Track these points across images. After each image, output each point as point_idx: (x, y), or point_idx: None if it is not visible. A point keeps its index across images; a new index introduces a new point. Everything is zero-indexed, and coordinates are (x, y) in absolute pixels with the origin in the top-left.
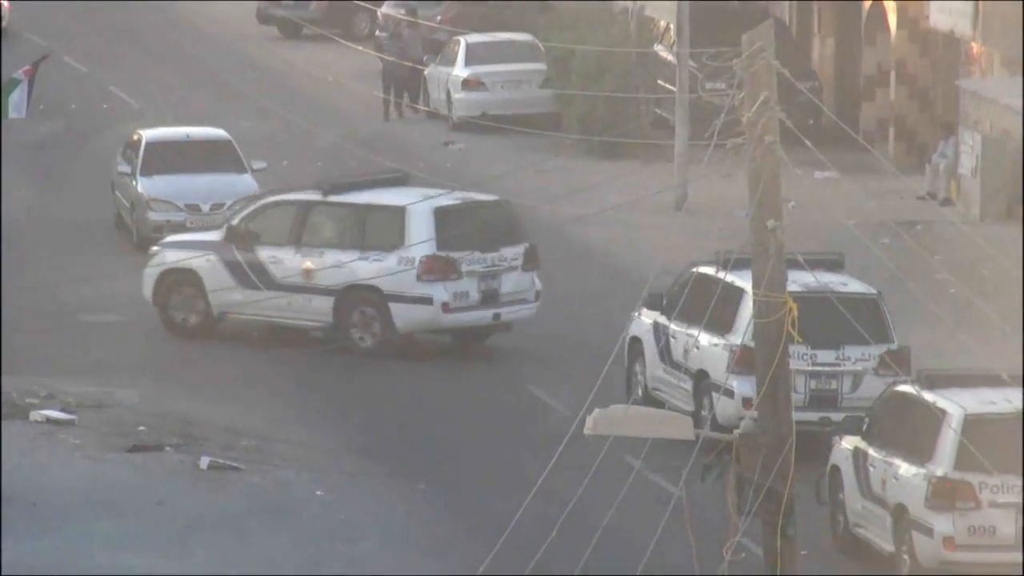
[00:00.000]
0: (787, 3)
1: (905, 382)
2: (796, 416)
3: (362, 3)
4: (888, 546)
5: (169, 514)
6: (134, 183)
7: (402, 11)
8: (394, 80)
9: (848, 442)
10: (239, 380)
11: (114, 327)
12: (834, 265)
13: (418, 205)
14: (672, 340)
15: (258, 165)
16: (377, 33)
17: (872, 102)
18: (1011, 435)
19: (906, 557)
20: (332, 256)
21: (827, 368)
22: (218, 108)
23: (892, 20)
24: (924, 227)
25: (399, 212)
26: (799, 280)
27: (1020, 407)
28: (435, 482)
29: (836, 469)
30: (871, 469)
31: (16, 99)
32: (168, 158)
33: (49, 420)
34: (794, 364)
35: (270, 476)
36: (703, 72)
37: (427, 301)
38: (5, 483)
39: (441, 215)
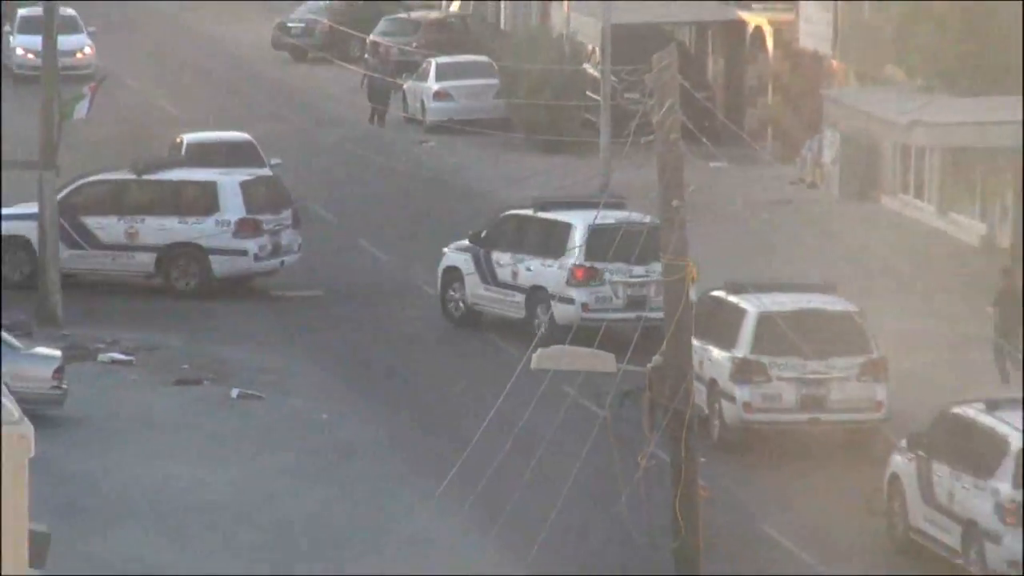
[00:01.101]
0: (687, 29)
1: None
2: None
3: (354, 32)
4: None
5: (207, 433)
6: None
7: (386, 39)
8: (377, 92)
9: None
10: (260, 329)
11: (162, 289)
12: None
13: (225, 179)
14: (498, 266)
15: (275, 161)
16: (366, 56)
17: (754, 107)
18: (794, 327)
19: (716, 422)
20: (154, 221)
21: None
22: (242, 116)
23: (769, 42)
24: (796, 205)
25: (211, 186)
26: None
27: (805, 306)
28: (413, 409)
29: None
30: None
31: (80, 107)
32: (204, 156)
33: (112, 360)
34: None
35: (285, 403)
36: (622, 84)
37: (243, 253)
38: (79, 409)
39: (247, 187)
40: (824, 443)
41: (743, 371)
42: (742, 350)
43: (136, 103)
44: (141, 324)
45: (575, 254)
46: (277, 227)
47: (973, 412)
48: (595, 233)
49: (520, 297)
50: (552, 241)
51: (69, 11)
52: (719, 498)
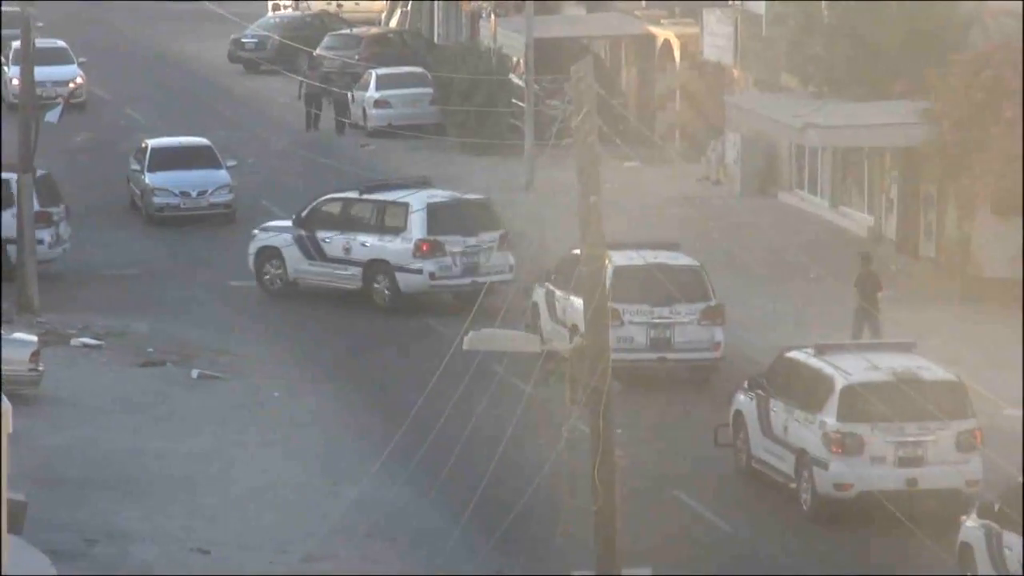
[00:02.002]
0: (602, 43)
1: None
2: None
3: (302, 47)
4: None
5: (171, 410)
6: (143, 177)
7: (331, 52)
8: (314, 100)
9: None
10: (220, 314)
11: (130, 278)
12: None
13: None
14: (324, 243)
15: (231, 163)
16: (308, 69)
17: (663, 112)
18: (643, 279)
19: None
20: None
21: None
22: (201, 123)
23: (677, 54)
24: (702, 200)
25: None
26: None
27: (653, 261)
28: (358, 385)
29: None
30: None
31: (52, 113)
32: (167, 159)
33: (84, 345)
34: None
35: (242, 383)
36: (543, 92)
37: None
38: (54, 389)
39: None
40: (670, 380)
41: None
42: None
43: (106, 112)
44: (110, 311)
45: (419, 229)
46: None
47: (804, 356)
48: (435, 210)
49: (356, 270)
50: (389, 219)
51: (60, 43)
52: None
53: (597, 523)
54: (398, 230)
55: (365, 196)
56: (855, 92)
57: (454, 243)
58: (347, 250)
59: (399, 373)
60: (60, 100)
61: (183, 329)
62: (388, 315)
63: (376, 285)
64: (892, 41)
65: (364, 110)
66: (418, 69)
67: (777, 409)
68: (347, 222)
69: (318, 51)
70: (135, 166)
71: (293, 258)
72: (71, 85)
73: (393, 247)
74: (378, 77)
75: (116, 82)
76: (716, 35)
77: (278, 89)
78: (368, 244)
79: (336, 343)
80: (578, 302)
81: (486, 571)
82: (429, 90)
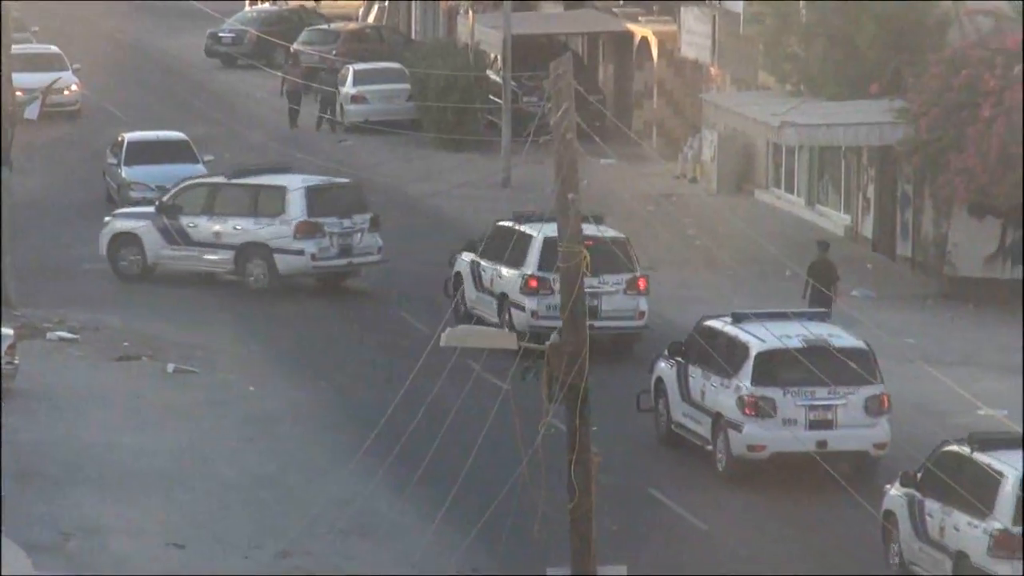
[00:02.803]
0: (580, 39)
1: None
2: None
3: (279, 42)
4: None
5: (146, 404)
6: (119, 171)
7: (308, 47)
8: (295, 97)
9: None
10: (193, 310)
11: (106, 273)
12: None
13: None
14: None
15: (208, 158)
16: (290, 65)
17: (641, 110)
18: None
19: (506, 328)
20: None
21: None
22: (178, 117)
23: (655, 52)
24: (678, 198)
25: None
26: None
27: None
28: (331, 380)
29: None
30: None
31: (31, 108)
32: (143, 153)
33: (60, 338)
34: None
35: (216, 377)
36: (521, 89)
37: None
38: (30, 382)
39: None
40: (595, 347)
41: (530, 286)
42: (529, 268)
43: (84, 106)
44: (86, 306)
45: (299, 211)
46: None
47: (721, 324)
48: (312, 193)
49: (227, 253)
50: (264, 202)
51: (54, 48)
52: None
53: (573, 520)
54: (275, 213)
55: (234, 181)
56: (832, 91)
57: (331, 224)
58: (217, 234)
59: (375, 368)
60: (38, 95)
61: (158, 324)
62: (366, 310)
63: (251, 267)
64: (869, 40)
65: (341, 105)
66: (395, 65)
67: (695, 375)
68: (215, 207)
69: (295, 46)
70: (111, 160)
71: (153, 243)
72: (66, 92)
73: (271, 230)
74: (355, 73)
75: (92, 76)
76: (694, 33)
77: (255, 84)
78: (242, 228)
79: (312, 339)
80: (508, 272)
81: (462, 568)
82: (406, 86)
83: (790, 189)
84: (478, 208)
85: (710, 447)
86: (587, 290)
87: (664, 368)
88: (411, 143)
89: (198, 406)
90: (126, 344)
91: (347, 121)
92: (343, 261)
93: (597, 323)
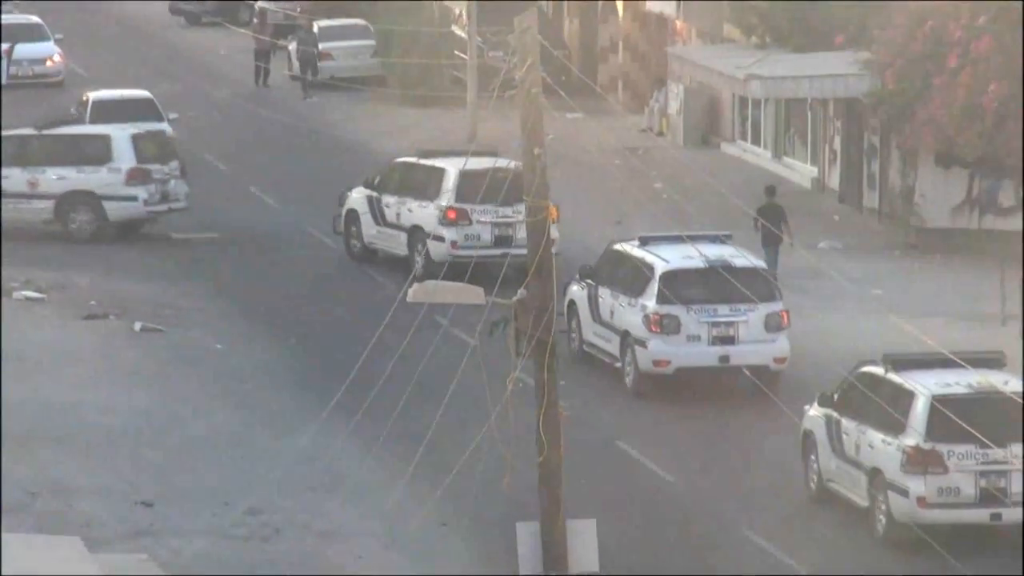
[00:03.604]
0: None
1: None
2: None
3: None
4: None
5: (114, 363)
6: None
7: (273, 4)
8: (263, 56)
9: None
10: (162, 267)
11: (72, 231)
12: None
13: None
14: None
15: (172, 115)
16: (254, 20)
17: (606, 64)
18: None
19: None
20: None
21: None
22: (143, 76)
23: (620, 5)
24: (644, 151)
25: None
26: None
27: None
28: (301, 337)
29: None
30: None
31: None
32: (108, 111)
33: (27, 298)
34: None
35: (184, 335)
36: (487, 44)
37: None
38: None
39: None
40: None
41: (448, 217)
42: (445, 200)
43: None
44: (53, 265)
45: (128, 159)
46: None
47: (629, 247)
48: (135, 140)
49: (47, 203)
50: (89, 151)
51: (34, 19)
52: None
53: (542, 475)
54: (102, 160)
55: (47, 132)
56: (797, 43)
57: (156, 172)
58: (33, 184)
59: (343, 325)
60: (3, 54)
61: (125, 282)
62: (335, 267)
63: (75, 216)
64: None
65: (315, 64)
66: (360, 21)
67: (604, 295)
68: (30, 157)
69: (260, 3)
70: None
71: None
72: (48, 63)
73: (98, 177)
74: (320, 29)
75: (60, 40)
76: None
77: (219, 41)
78: (65, 177)
79: (278, 296)
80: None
81: (431, 522)
82: (371, 42)
83: (756, 142)
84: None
85: (619, 364)
86: (501, 220)
87: (576, 291)
88: (377, 100)
89: (165, 364)
90: (93, 303)
91: (310, 78)
92: (163, 207)
93: (513, 251)
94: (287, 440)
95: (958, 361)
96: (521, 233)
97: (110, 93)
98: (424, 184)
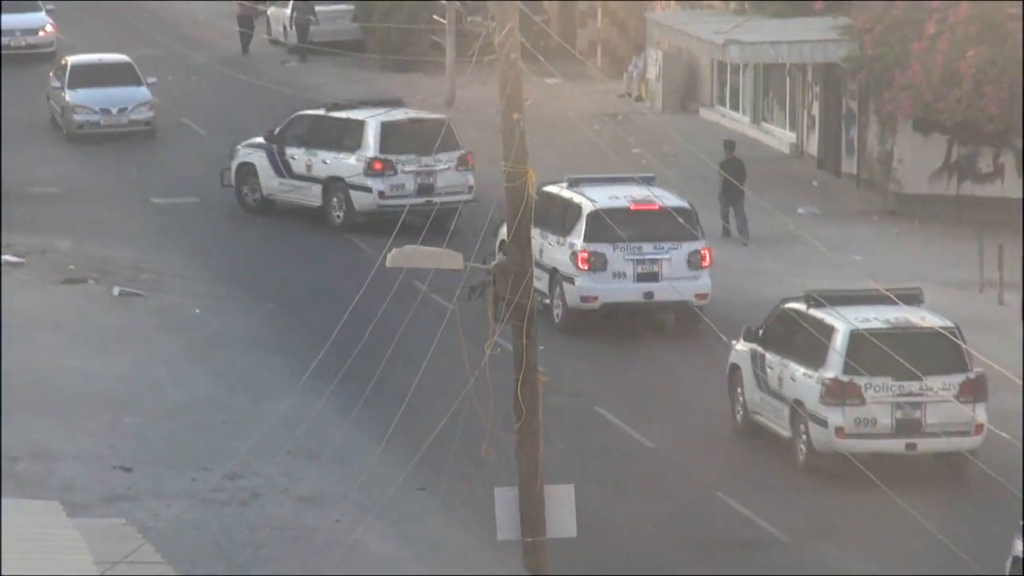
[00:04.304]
0: None
1: None
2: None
3: None
4: None
5: (93, 327)
6: (63, 94)
7: None
8: (246, 21)
9: None
10: (141, 231)
11: (52, 196)
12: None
13: None
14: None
15: (151, 80)
16: None
17: (585, 29)
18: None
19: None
20: None
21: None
22: (122, 40)
23: None
24: (623, 117)
25: None
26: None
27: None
28: (280, 302)
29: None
30: None
31: None
32: (87, 76)
33: (6, 262)
34: (407, 167)
35: (164, 300)
36: (466, 9)
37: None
38: None
39: None
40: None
41: (375, 168)
42: (370, 151)
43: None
44: (32, 229)
45: None
46: (424, 168)
47: (558, 188)
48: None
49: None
50: None
51: None
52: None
53: (520, 440)
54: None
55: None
56: (776, 8)
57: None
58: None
59: (322, 290)
60: None
61: (104, 247)
62: (305, 232)
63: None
64: None
65: (285, 27)
66: None
67: (535, 235)
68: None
69: None
70: (55, 83)
71: None
72: (40, 33)
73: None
74: None
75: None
76: None
77: (197, 6)
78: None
79: (257, 260)
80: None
81: (409, 487)
82: (351, 7)
83: (735, 107)
84: None
85: (548, 300)
86: (421, 168)
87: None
88: (355, 64)
89: (144, 329)
90: (72, 267)
91: (291, 43)
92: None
93: (435, 198)
94: (266, 405)
95: (877, 297)
96: (441, 181)
97: (89, 58)
98: (339, 136)
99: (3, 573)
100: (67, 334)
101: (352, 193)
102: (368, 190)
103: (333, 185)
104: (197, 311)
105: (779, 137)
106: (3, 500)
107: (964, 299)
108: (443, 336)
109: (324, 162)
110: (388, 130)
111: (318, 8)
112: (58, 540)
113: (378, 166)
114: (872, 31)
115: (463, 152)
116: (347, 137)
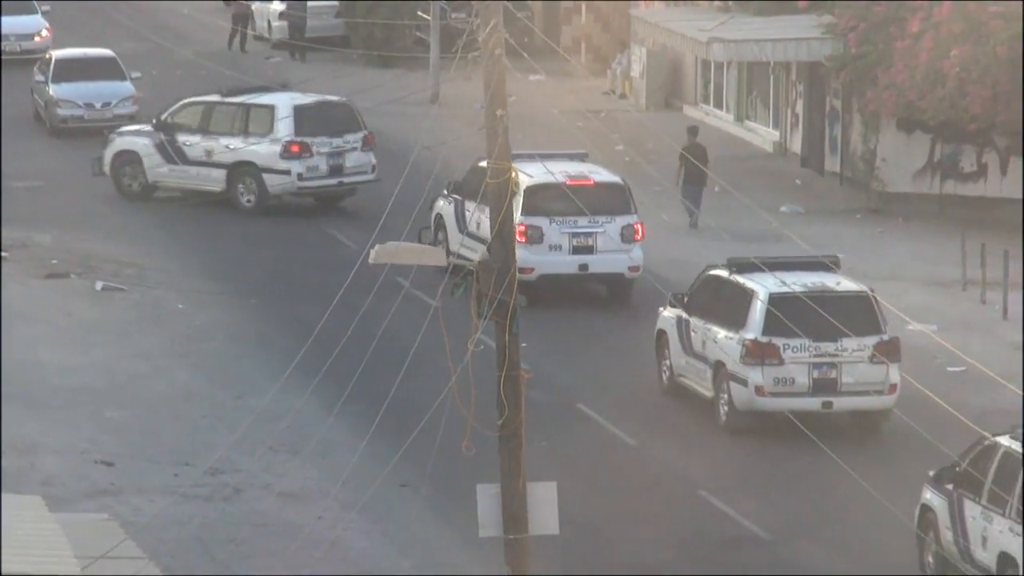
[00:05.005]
0: None
1: None
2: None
3: None
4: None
5: (75, 321)
6: (47, 88)
7: None
8: (240, 19)
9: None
10: (124, 226)
11: (34, 190)
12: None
13: None
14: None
15: (135, 75)
16: None
17: (569, 25)
18: None
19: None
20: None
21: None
22: (107, 35)
23: None
24: (607, 114)
25: None
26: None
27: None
28: (263, 297)
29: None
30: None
31: None
32: (71, 70)
33: None
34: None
35: (146, 294)
36: (450, 6)
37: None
38: None
39: None
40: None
41: (291, 151)
42: (284, 134)
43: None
44: (14, 223)
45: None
46: (336, 149)
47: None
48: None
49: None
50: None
51: None
52: None
53: (502, 437)
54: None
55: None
56: (760, 6)
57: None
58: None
59: (305, 285)
60: None
61: (87, 241)
62: (288, 227)
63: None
64: None
65: (269, 22)
66: None
67: (471, 208)
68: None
69: None
70: (39, 77)
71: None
72: (36, 39)
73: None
74: None
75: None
76: None
77: (182, 2)
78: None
79: (241, 255)
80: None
81: (391, 483)
82: (335, 2)
83: (719, 105)
84: (406, 125)
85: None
86: (332, 149)
87: (442, 205)
88: (339, 60)
89: (127, 324)
90: (55, 261)
91: (274, 38)
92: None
93: (346, 179)
94: (248, 400)
95: (797, 264)
96: (350, 161)
97: (73, 52)
98: (242, 121)
99: None
100: (49, 328)
101: (266, 176)
102: (286, 173)
103: (240, 170)
104: (180, 306)
105: (763, 135)
106: None
107: (946, 298)
108: (426, 332)
109: (228, 147)
110: (300, 113)
111: (311, 3)
112: (39, 535)
113: (295, 149)
114: (856, 29)
115: (366, 133)
116: (254, 122)
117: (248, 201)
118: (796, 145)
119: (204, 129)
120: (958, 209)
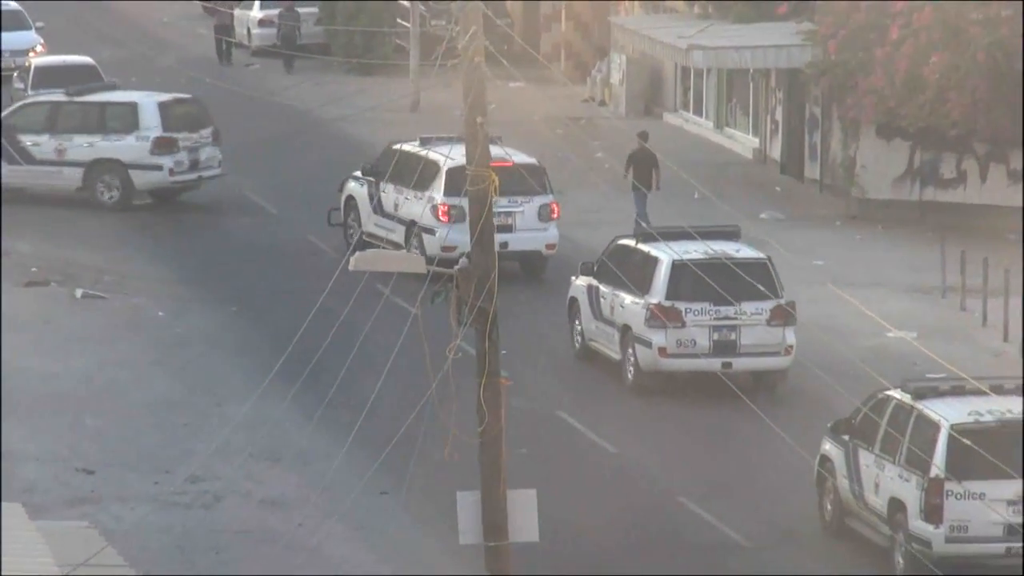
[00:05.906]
0: None
1: None
2: None
3: None
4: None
5: (55, 329)
6: (26, 96)
7: None
8: (224, 30)
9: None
10: (104, 234)
11: (14, 197)
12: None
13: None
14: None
15: (114, 82)
16: None
17: (549, 33)
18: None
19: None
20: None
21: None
22: (86, 42)
23: None
24: (587, 121)
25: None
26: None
27: None
28: (243, 305)
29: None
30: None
31: None
32: (50, 77)
33: None
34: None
35: (126, 302)
36: (429, 13)
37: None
38: None
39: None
40: None
41: (159, 147)
42: (152, 131)
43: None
44: None
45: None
46: (195, 144)
47: (412, 147)
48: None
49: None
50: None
51: (13, 5)
52: None
53: (482, 444)
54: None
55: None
56: (740, 13)
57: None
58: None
59: (284, 292)
60: None
61: (67, 249)
62: (265, 232)
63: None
64: None
65: (248, 29)
66: None
67: (388, 190)
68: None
69: None
70: (19, 85)
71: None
72: (32, 53)
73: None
74: None
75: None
76: None
77: (162, 8)
78: (93, 144)
79: (220, 262)
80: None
81: (371, 491)
82: (315, 10)
83: (698, 112)
84: (386, 132)
85: (404, 248)
86: (193, 144)
87: (354, 187)
88: (319, 67)
89: (107, 331)
90: (34, 269)
91: (254, 45)
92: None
93: (204, 172)
94: (228, 407)
95: (701, 234)
96: (204, 155)
97: (52, 59)
98: (100, 119)
99: None
100: (30, 336)
101: (133, 173)
102: (157, 168)
103: (100, 167)
104: (160, 313)
105: (742, 142)
106: None
107: (926, 305)
108: (406, 340)
109: (88, 145)
110: (164, 110)
111: (281, 11)
112: (20, 542)
113: (164, 144)
114: (835, 36)
115: (214, 128)
116: (113, 119)
117: (110, 198)
118: (776, 152)
119: (51, 129)
120: (937, 216)
